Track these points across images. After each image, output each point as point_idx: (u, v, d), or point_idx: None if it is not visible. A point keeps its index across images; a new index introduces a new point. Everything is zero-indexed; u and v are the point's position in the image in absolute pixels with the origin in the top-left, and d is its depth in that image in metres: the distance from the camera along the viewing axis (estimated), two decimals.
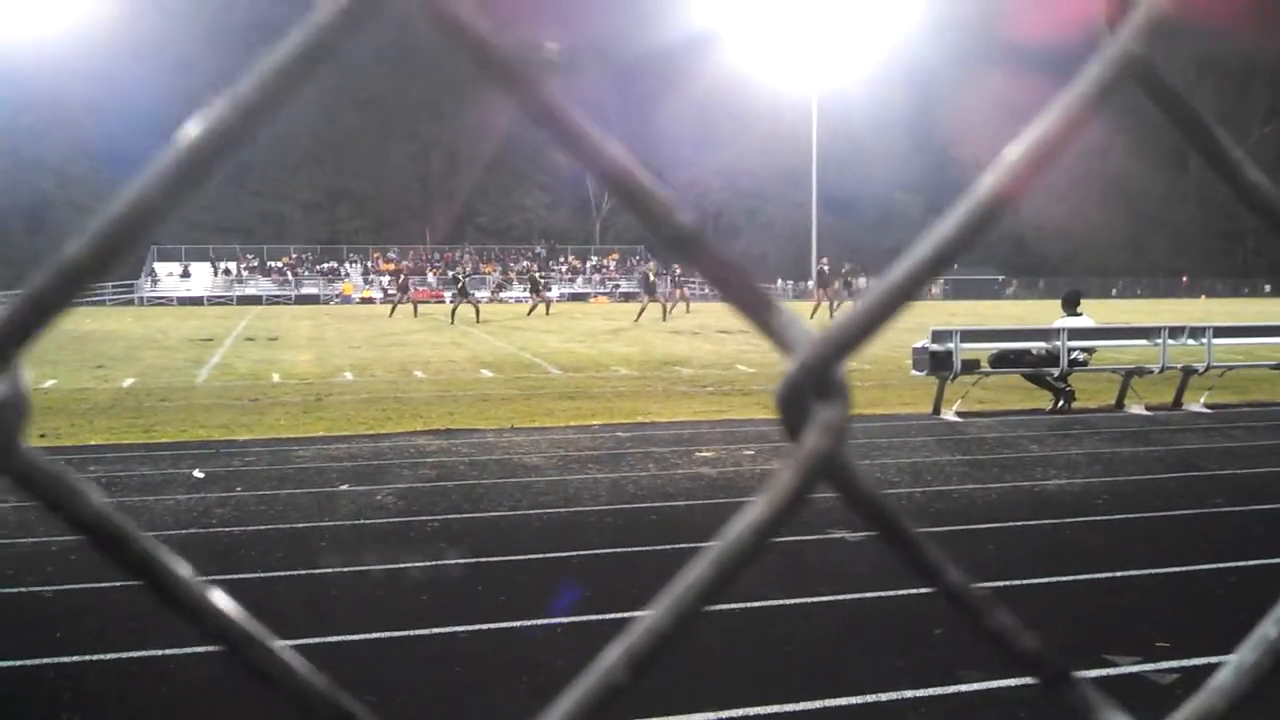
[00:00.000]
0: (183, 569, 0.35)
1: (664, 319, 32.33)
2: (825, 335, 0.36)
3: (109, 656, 4.48)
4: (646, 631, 0.38)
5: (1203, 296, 67.76)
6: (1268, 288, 72.48)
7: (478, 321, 31.17)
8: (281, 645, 0.35)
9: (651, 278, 35.78)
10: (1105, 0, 0.38)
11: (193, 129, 0.31)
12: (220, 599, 0.35)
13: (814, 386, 0.36)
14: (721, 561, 0.38)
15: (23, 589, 5.46)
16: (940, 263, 0.37)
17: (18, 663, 4.47)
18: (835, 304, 35.50)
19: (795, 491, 0.36)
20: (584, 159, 0.35)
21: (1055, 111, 0.37)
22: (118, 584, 5.32)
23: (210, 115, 0.31)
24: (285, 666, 0.35)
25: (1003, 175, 0.37)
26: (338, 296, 61.67)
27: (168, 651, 4.46)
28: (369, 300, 59.22)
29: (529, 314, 37.38)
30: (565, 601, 5.30)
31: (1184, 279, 74.35)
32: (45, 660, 4.47)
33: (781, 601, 5.00)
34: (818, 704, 3.98)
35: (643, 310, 33.63)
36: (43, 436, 10.37)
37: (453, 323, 30.79)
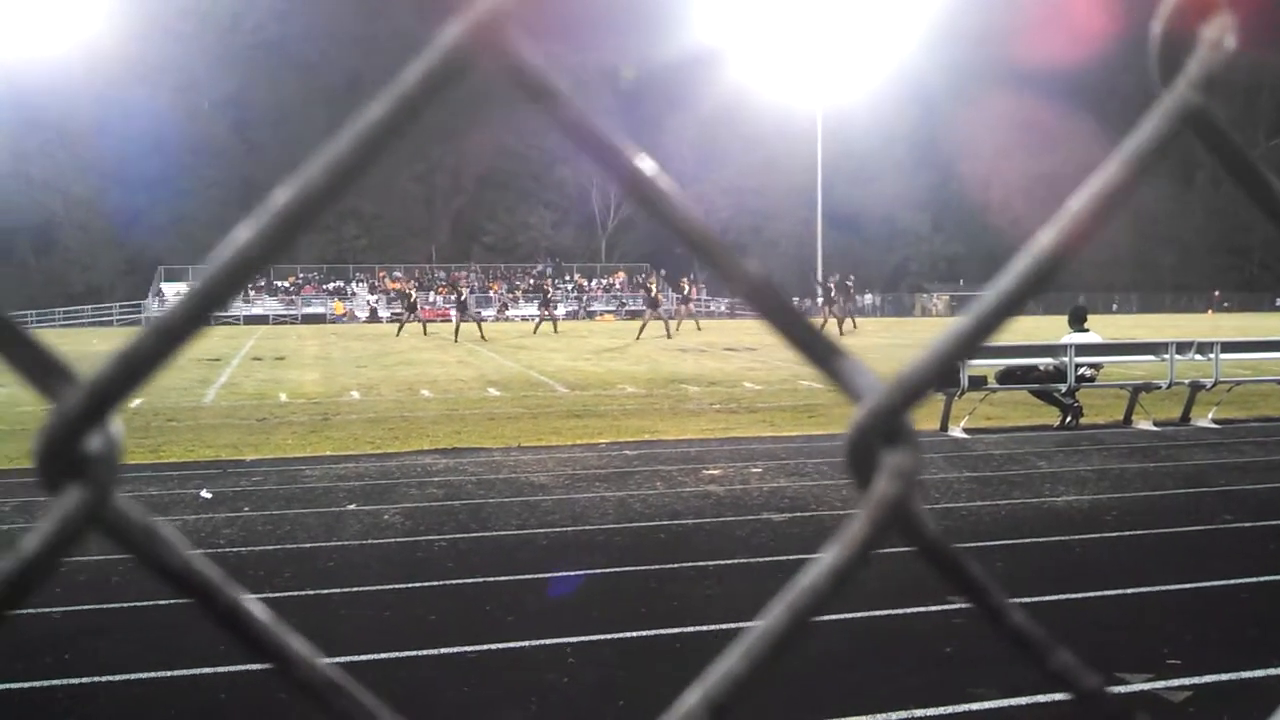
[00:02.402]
0: (263, 614, 0.35)
1: (669, 336, 32.29)
2: (893, 383, 0.37)
3: (118, 678, 4.48)
4: (724, 677, 0.38)
5: (1209, 311, 67.65)
6: (1279, 301, 72.29)
7: (482, 339, 31.20)
8: (364, 690, 0.36)
9: (654, 293, 35.75)
10: (1159, 52, 0.39)
11: (284, 192, 0.32)
12: (300, 645, 0.35)
13: (883, 433, 0.36)
14: (796, 609, 0.38)
15: (31, 610, 5.46)
16: (1004, 315, 0.38)
17: (27, 684, 4.47)
18: (841, 319, 35.45)
19: (868, 538, 0.37)
20: (657, 215, 0.36)
21: (1114, 164, 0.38)
22: (126, 605, 5.33)
23: (301, 177, 0.32)
24: (368, 713, 0.35)
25: (1064, 228, 0.38)
26: (344, 316, 61.77)
27: (176, 673, 4.46)
28: (375, 318, 59.33)
29: (535, 331, 37.43)
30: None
31: (1215, 293, 74.22)
32: (54, 682, 4.47)
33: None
34: None
35: (644, 326, 33.55)
36: None
37: (456, 340, 30.84)
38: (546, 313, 39.57)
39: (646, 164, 0.36)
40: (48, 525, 0.31)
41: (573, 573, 5.74)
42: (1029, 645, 0.39)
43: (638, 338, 31.55)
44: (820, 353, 0.37)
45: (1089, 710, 0.42)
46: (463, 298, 34.85)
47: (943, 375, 0.38)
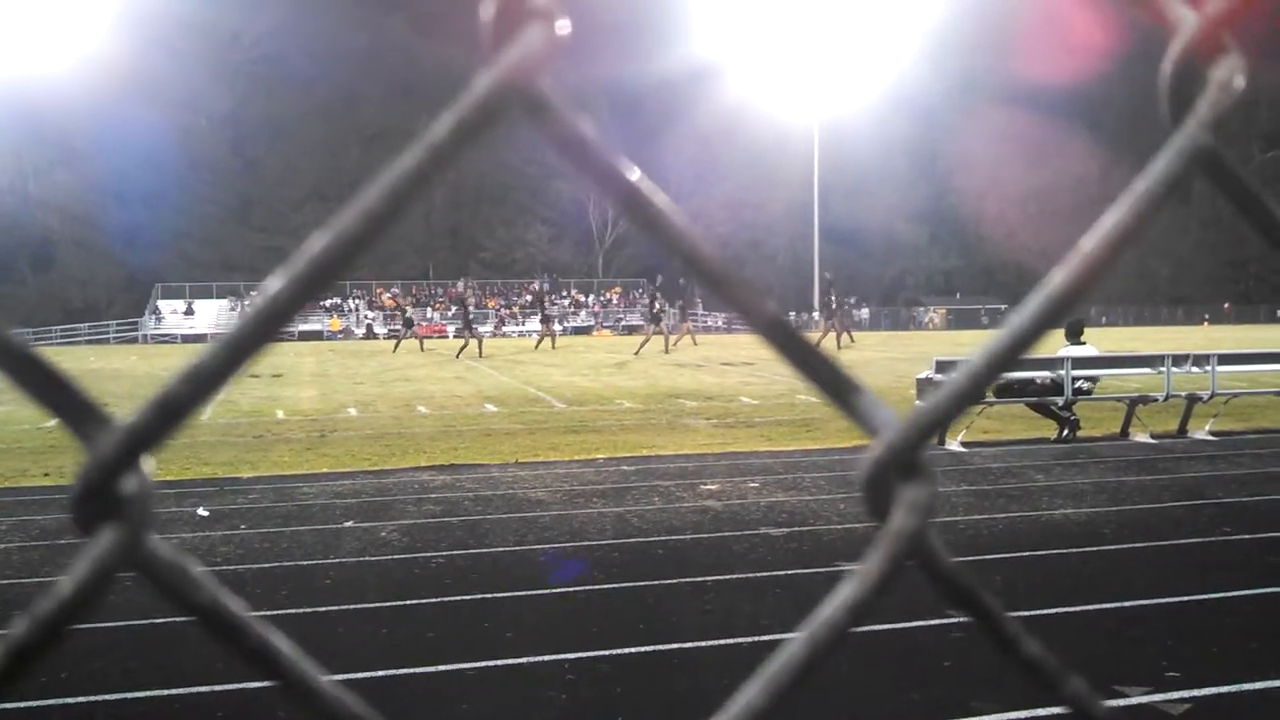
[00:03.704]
0: (290, 650, 0.36)
1: (666, 351, 32.29)
2: (910, 420, 0.37)
3: (114, 697, 4.47)
4: (744, 709, 0.39)
5: (1205, 323, 67.74)
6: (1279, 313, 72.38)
7: (480, 356, 31.18)
8: None
9: (656, 308, 35.73)
10: (1169, 92, 0.39)
11: (318, 240, 0.32)
12: (327, 682, 0.36)
13: (899, 468, 0.37)
14: (815, 641, 0.39)
15: None
16: (1017, 351, 0.38)
17: (24, 704, 4.45)
18: (840, 332, 35.46)
19: (886, 572, 0.37)
20: (672, 252, 0.36)
21: (1125, 203, 0.38)
22: (123, 624, 5.31)
23: (336, 226, 0.33)
24: None
25: (1076, 267, 0.39)
26: (340, 332, 61.78)
27: (173, 692, 4.44)
28: (372, 335, 59.34)
29: (536, 347, 37.45)
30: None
31: (1226, 306, 74.30)
32: (51, 701, 4.45)
33: (791, 635, 4.98)
34: None
35: (645, 342, 33.55)
36: (47, 475, 10.37)
37: (458, 357, 30.83)
38: (546, 329, 39.60)
39: (669, 203, 0.37)
40: (83, 565, 0.31)
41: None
42: (1042, 673, 0.40)
43: (637, 353, 31.55)
44: (838, 388, 0.38)
45: None
46: (467, 316, 34.88)
47: (956, 412, 0.39)
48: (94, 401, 0.33)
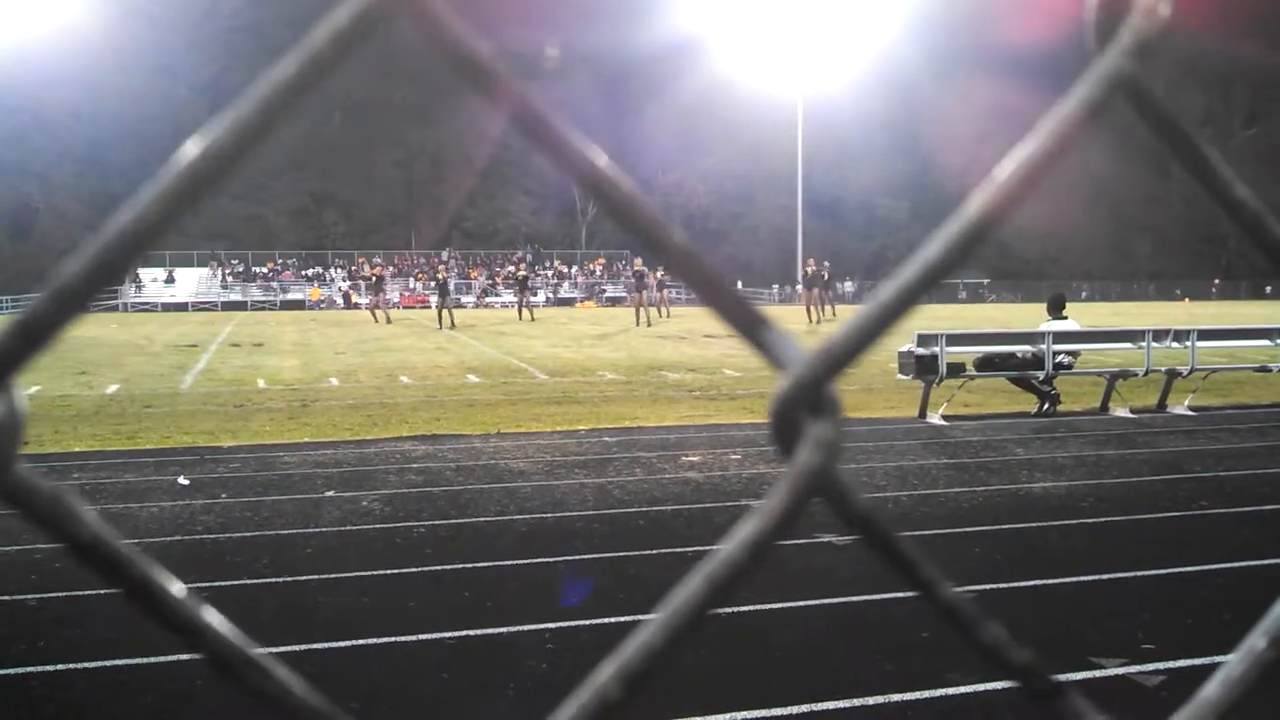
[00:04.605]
0: (177, 588, 0.35)
1: (636, 324, 32.14)
2: (817, 353, 0.36)
3: (93, 665, 4.46)
4: (640, 647, 0.38)
5: (1185, 299, 68.04)
6: (1268, 289, 72.70)
7: (452, 326, 30.97)
8: (278, 664, 0.35)
9: (646, 276, 35.66)
10: (1094, 18, 0.39)
11: (191, 149, 0.31)
12: (215, 619, 0.35)
13: (807, 403, 0.36)
14: (715, 578, 0.38)
15: (6, 597, 5.43)
16: (930, 282, 0.37)
17: (1, 672, 4.44)
18: (820, 306, 35.43)
19: (789, 507, 0.36)
20: (572, 170, 0.35)
21: (1044, 130, 0.37)
22: (101, 593, 5.30)
23: (208, 136, 0.31)
24: (282, 687, 0.35)
25: (992, 194, 0.38)
26: (322, 301, 61.57)
27: (152, 660, 4.44)
28: (355, 306, 59.12)
29: (520, 317, 37.37)
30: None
31: (1216, 282, 74.57)
32: (29, 669, 4.44)
33: (768, 606, 5.01)
34: (804, 708, 3.99)
35: (643, 312, 33.34)
36: (25, 444, 10.30)
37: (440, 328, 30.74)
38: (522, 297, 39.53)
39: (578, 137, 0.35)
40: None
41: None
42: (959, 618, 0.39)
43: (637, 324, 31.55)
44: (746, 323, 0.37)
45: (1020, 683, 0.42)
46: (442, 284, 34.31)
47: (865, 347, 0.38)
48: None
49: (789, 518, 0.37)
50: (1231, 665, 0.46)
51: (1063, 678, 0.45)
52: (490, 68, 0.32)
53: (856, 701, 4.04)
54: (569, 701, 0.39)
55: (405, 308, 51.25)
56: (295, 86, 0.31)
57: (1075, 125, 0.37)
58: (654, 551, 6.21)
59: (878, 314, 0.38)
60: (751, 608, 4.93)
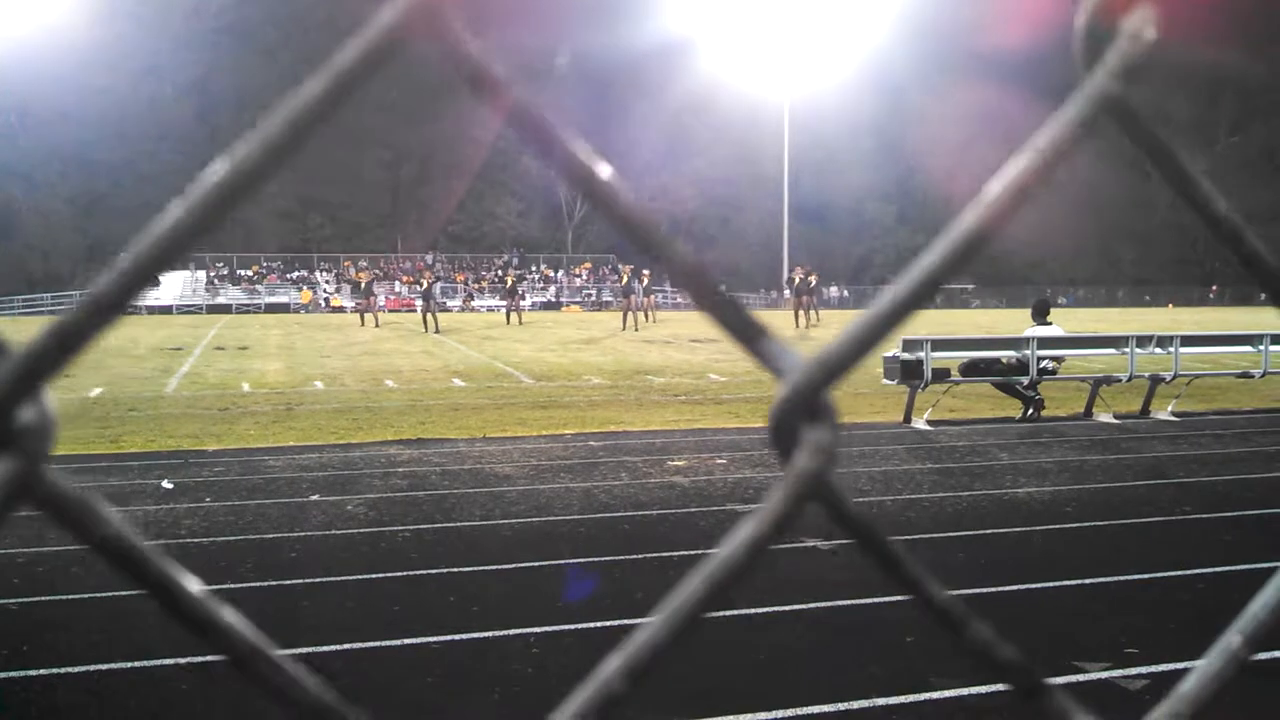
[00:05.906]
0: (194, 586, 0.35)
1: (623, 329, 32.02)
2: (814, 361, 0.38)
3: (77, 670, 4.44)
4: (643, 644, 0.39)
5: (1169, 305, 68.37)
6: (1262, 296, 72.99)
7: (437, 330, 30.80)
8: (289, 659, 0.36)
9: (638, 279, 35.57)
10: (1081, 41, 0.40)
11: (219, 167, 0.32)
12: (230, 615, 0.36)
13: (804, 410, 0.37)
14: (714, 578, 0.39)
15: None
16: (923, 295, 0.39)
17: None
18: (808, 311, 35.41)
19: (786, 510, 0.38)
20: (578, 184, 0.36)
21: (1033, 149, 0.39)
22: (85, 597, 5.28)
23: (237, 154, 0.32)
24: (292, 681, 0.36)
25: (983, 211, 0.39)
26: (309, 305, 61.39)
27: (137, 664, 4.42)
28: (339, 309, 58.92)
29: (508, 322, 37.32)
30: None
31: (1213, 288, 74.94)
32: (12, 674, 4.42)
33: (754, 610, 5.02)
34: (790, 712, 4.00)
35: (630, 317, 33.12)
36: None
37: (425, 331, 30.68)
38: (511, 303, 39.49)
39: (584, 148, 0.36)
40: None
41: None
42: (946, 616, 0.40)
43: (624, 329, 31.43)
44: (746, 333, 0.38)
45: (1007, 683, 0.43)
46: (427, 288, 34.05)
47: (863, 355, 0.39)
48: None
49: (786, 520, 0.38)
50: (1208, 661, 0.47)
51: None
52: (507, 88, 0.33)
53: (842, 705, 4.05)
54: (576, 693, 0.40)
55: (390, 310, 51.09)
56: (323, 106, 0.32)
57: (1063, 145, 0.39)
58: (639, 556, 6.22)
59: (872, 324, 0.39)
60: (737, 612, 4.94)
